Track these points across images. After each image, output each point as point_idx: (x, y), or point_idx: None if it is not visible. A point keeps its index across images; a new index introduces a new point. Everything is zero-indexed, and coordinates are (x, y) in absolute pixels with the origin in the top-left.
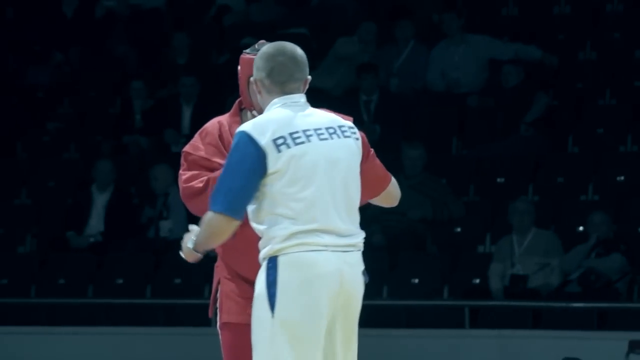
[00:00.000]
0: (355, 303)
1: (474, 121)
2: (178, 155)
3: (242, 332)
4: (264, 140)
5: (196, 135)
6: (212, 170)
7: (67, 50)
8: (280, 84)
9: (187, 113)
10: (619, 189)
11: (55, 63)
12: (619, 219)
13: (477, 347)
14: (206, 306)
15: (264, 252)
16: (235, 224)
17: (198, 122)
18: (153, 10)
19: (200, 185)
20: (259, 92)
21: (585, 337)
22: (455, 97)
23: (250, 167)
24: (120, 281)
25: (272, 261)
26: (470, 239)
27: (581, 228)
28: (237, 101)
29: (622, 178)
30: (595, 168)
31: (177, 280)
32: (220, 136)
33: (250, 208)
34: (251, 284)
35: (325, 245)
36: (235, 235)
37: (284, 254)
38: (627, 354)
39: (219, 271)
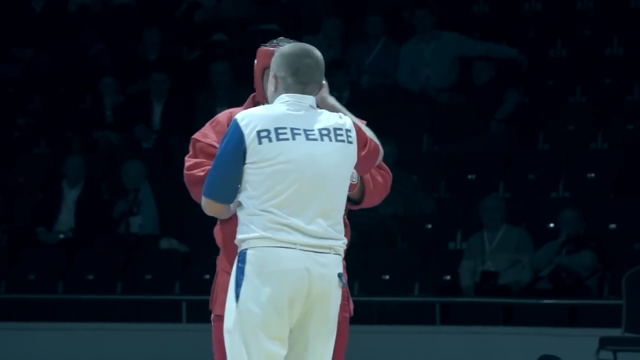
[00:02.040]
0: (328, 302)
1: (444, 118)
2: (148, 151)
3: None
4: (248, 130)
5: (207, 124)
6: (213, 157)
7: (37, 46)
8: (303, 84)
9: (157, 109)
10: (590, 186)
11: (26, 59)
12: (589, 216)
13: (448, 343)
14: (176, 302)
15: (237, 242)
16: (220, 205)
17: (169, 118)
18: (124, 6)
19: (201, 174)
20: (275, 87)
21: (556, 334)
22: (426, 93)
23: (231, 152)
24: (91, 277)
25: (242, 254)
26: (441, 235)
27: (552, 225)
28: (251, 95)
29: (593, 175)
30: (566, 165)
31: (148, 276)
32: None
33: (239, 195)
34: None
35: (294, 243)
36: (229, 223)
37: (253, 247)
38: (598, 350)
39: (219, 263)
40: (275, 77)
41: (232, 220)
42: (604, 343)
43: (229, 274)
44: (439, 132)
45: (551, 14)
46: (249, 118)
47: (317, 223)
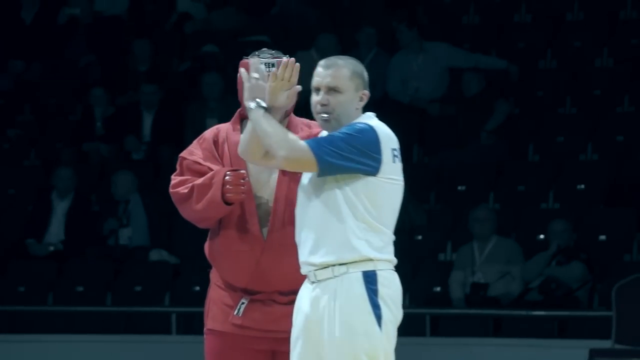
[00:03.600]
0: None
1: (434, 129)
2: (138, 162)
3: (225, 339)
4: (383, 143)
5: (194, 142)
6: (201, 174)
7: (27, 57)
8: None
9: (147, 120)
10: (580, 197)
11: (16, 70)
12: (579, 227)
13: (437, 355)
14: (166, 314)
15: (357, 256)
16: (309, 167)
17: (159, 130)
18: (114, 18)
19: (186, 191)
20: (358, 104)
21: (546, 346)
22: (415, 105)
23: (363, 150)
24: (81, 289)
25: (372, 276)
26: (431, 246)
27: (542, 236)
28: (238, 110)
29: (583, 186)
30: (556, 176)
31: (138, 288)
32: (216, 142)
33: (346, 199)
34: (236, 289)
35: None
36: (218, 238)
37: (381, 269)
38: None
39: (212, 277)
40: (365, 96)
41: (221, 236)
42: (593, 355)
43: (221, 287)
44: (429, 143)
45: (541, 25)
46: (384, 132)
47: None
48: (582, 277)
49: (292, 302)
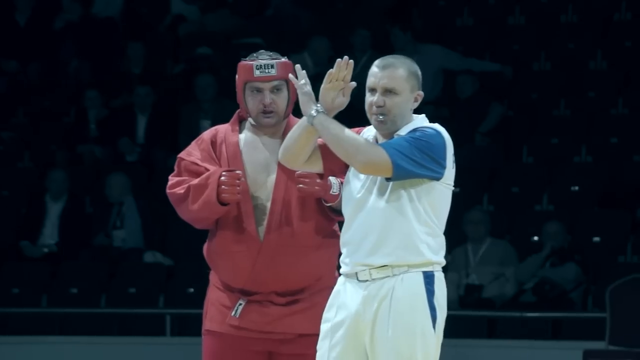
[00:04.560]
0: None
1: None
2: (133, 164)
3: (223, 340)
4: (449, 149)
5: (192, 143)
6: (198, 174)
7: (21, 59)
8: None
9: (141, 122)
10: (574, 199)
11: (9, 72)
12: (573, 229)
13: None
14: (160, 315)
15: (418, 259)
16: (385, 172)
17: (153, 132)
18: (107, 20)
19: (182, 192)
20: (413, 105)
21: (539, 347)
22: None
23: (434, 158)
24: (75, 291)
25: (431, 277)
26: None
27: (536, 238)
28: (237, 112)
29: (577, 188)
30: (550, 178)
31: (132, 290)
32: (213, 143)
33: (405, 199)
34: (233, 290)
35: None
36: (215, 239)
37: (438, 271)
38: None
39: (211, 278)
40: (420, 97)
41: (218, 236)
42: (587, 356)
43: (219, 288)
44: None
45: (535, 27)
46: (448, 138)
47: None
48: (576, 278)
49: (290, 304)
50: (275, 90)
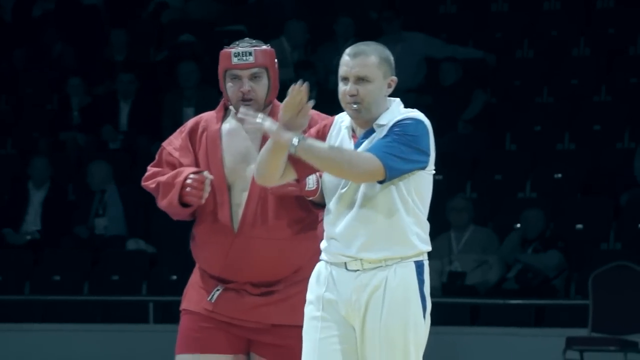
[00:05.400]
0: None
1: None
2: (115, 152)
3: (197, 320)
4: (431, 137)
5: (177, 131)
6: (173, 165)
7: (3, 47)
8: None
9: (124, 110)
10: (556, 186)
11: None
12: (556, 217)
13: None
14: (143, 303)
15: (411, 251)
16: (379, 177)
17: (136, 119)
18: (90, 7)
19: (153, 186)
20: (388, 93)
21: (523, 334)
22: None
23: (419, 149)
24: (58, 278)
25: (422, 266)
26: None
27: (518, 225)
28: (222, 100)
29: (560, 175)
30: (533, 165)
31: (115, 277)
32: (194, 131)
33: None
34: (211, 277)
35: None
36: (195, 228)
37: (426, 260)
38: (565, 351)
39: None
40: (393, 82)
41: (197, 225)
42: (570, 343)
43: (199, 271)
44: None
45: (518, 15)
46: (429, 125)
47: None
48: (559, 265)
49: (265, 294)
50: (254, 77)
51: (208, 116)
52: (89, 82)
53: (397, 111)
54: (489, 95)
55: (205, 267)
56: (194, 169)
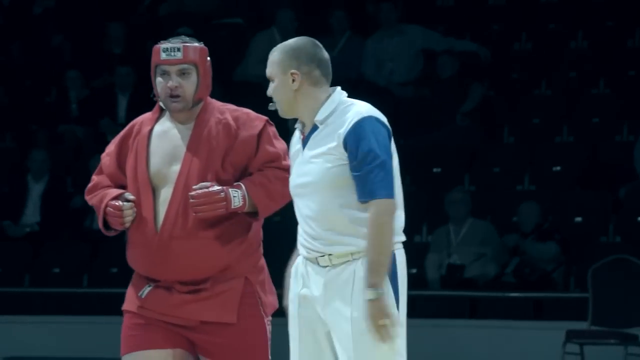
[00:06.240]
0: None
1: (409, 111)
2: None
3: (132, 318)
4: (388, 126)
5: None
6: (108, 177)
7: (1, 39)
8: (327, 75)
9: (122, 102)
10: (555, 179)
11: None
12: (554, 210)
13: (413, 336)
14: None
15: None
16: (394, 206)
17: (134, 112)
18: (88, 0)
19: (93, 201)
20: (299, 86)
21: (522, 327)
22: (390, 87)
23: (389, 152)
24: (57, 270)
25: (392, 255)
26: (407, 229)
27: (517, 218)
28: (158, 102)
29: (558, 168)
30: (531, 158)
31: (114, 270)
32: (128, 136)
33: (344, 190)
34: (140, 275)
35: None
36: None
37: (398, 249)
38: (564, 344)
39: None
40: (297, 74)
41: (130, 226)
42: (570, 336)
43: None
44: (404, 125)
45: (516, 8)
46: (384, 120)
47: None
48: (557, 258)
49: (192, 292)
50: (182, 74)
51: (143, 118)
52: (87, 75)
53: (335, 105)
54: (486, 88)
55: (134, 267)
56: (116, 193)
